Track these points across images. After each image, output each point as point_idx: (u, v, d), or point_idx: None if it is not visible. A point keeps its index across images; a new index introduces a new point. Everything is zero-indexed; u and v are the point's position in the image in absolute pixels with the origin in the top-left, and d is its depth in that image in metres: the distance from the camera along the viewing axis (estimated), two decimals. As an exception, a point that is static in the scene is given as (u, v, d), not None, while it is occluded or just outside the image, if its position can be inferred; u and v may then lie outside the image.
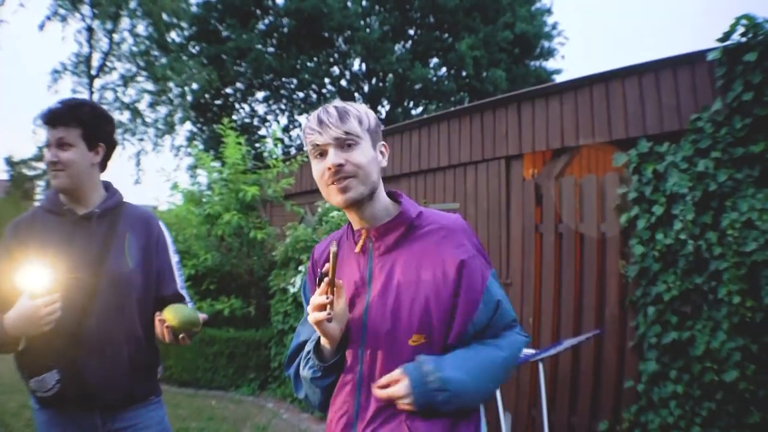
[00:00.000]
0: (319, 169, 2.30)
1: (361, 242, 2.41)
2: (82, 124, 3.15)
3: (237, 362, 10.26)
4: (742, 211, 5.17)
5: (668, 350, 5.79)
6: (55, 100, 3.20)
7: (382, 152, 2.45)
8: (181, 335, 2.91)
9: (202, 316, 2.99)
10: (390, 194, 2.48)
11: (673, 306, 5.77)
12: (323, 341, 2.33)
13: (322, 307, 2.17)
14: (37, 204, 3.37)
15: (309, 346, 2.44)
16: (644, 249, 6.03)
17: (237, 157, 10.79)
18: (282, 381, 9.79)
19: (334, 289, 2.18)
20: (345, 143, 2.27)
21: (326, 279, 2.16)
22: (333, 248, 2.14)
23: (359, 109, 2.38)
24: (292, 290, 9.35)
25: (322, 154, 2.29)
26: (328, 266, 2.15)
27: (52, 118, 3.10)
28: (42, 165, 30.91)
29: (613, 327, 6.54)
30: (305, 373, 2.42)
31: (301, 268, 9.34)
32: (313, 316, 2.19)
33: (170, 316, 2.89)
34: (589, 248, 6.85)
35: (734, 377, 5.14)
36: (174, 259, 3.44)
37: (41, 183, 31.33)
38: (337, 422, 2.36)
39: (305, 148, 2.36)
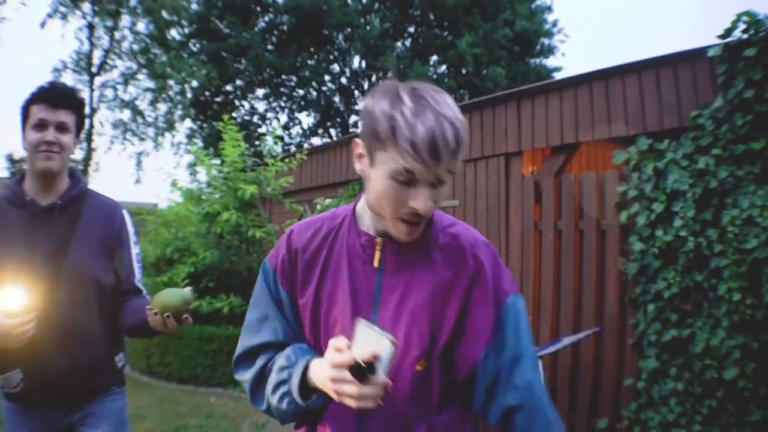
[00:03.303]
0: (396, 198, 1.85)
1: (377, 255, 2.06)
2: (77, 112, 3.16)
3: (236, 359, 10.24)
4: (743, 208, 5.16)
5: (668, 348, 5.78)
6: (45, 81, 3.17)
7: None
8: (184, 316, 2.81)
9: (187, 290, 2.88)
10: None
11: (673, 303, 5.76)
12: (317, 384, 1.94)
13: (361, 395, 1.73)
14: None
15: (284, 375, 2.05)
16: (644, 246, 6.02)
17: (236, 155, 10.77)
18: (281, 378, 9.76)
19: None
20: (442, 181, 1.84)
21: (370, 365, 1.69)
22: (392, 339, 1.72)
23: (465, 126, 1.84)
24: (290, 288, 9.32)
25: (411, 183, 1.81)
26: (369, 353, 1.69)
27: (56, 100, 3.06)
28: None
29: (612, 324, 6.53)
30: (277, 403, 2.07)
31: (299, 265, 9.31)
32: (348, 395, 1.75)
33: (159, 305, 2.79)
34: (588, 246, 6.85)
35: (734, 375, 5.13)
36: (135, 251, 3.39)
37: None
38: None
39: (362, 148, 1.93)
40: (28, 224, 3.09)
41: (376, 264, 2.07)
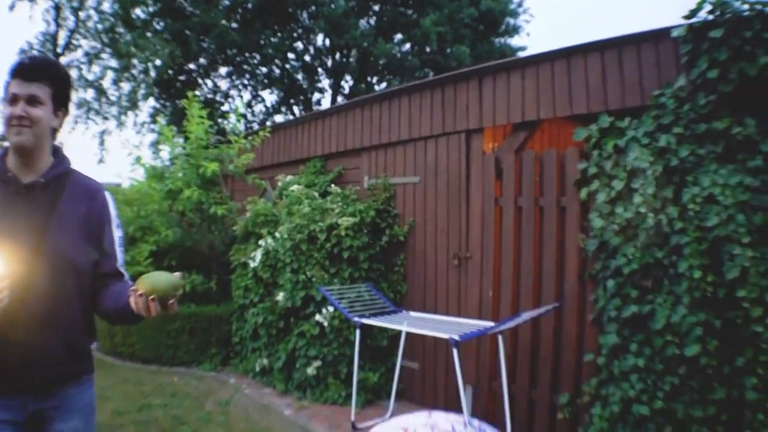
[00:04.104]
0: None
1: None
2: (55, 85, 3.05)
3: (198, 338, 10.24)
4: (704, 186, 5.18)
5: (628, 323, 5.81)
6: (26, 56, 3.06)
7: None
8: (170, 301, 2.76)
9: (177, 275, 2.83)
10: None
11: (633, 279, 5.79)
12: None
13: None
14: None
15: None
16: (604, 223, 6.04)
17: (200, 132, 10.71)
18: (243, 356, 9.78)
19: None
20: None
21: None
22: None
23: None
24: (252, 264, 9.34)
25: None
26: None
27: (28, 72, 2.98)
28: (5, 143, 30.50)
29: (572, 300, 6.58)
30: None
31: (261, 242, 9.33)
32: None
33: (146, 287, 2.71)
34: (548, 222, 6.89)
35: (696, 352, 5.14)
36: (117, 234, 3.31)
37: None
38: None
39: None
40: (10, 201, 3.01)
41: None
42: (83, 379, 3.23)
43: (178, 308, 2.80)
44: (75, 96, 30.18)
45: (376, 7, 30.93)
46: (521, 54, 31.90)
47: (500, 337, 6.36)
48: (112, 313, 3.10)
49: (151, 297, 2.69)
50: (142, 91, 30.22)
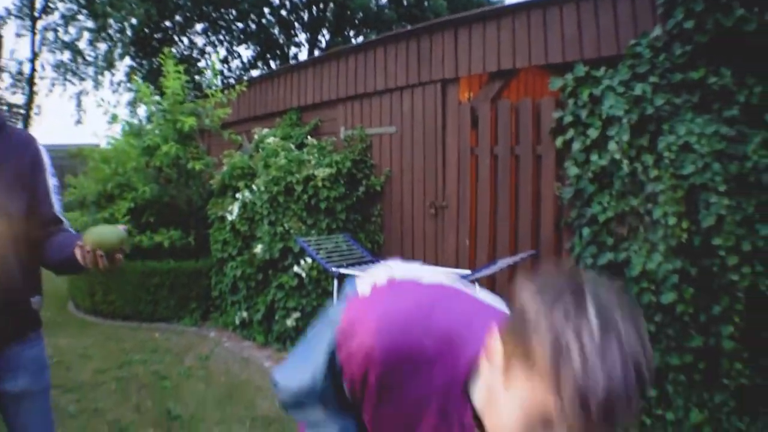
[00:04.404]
0: None
1: None
2: None
3: (178, 293, 10.23)
4: (679, 134, 5.19)
5: (604, 271, 5.83)
6: None
7: None
8: (117, 255, 2.70)
9: (122, 228, 2.76)
10: None
11: (608, 227, 5.83)
12: None
13: None
14: None
15: None
16: (579, 171, 6.07)
17: (176, 87, 10.65)
18: (223, 310, 9.82)
19: None
20: None
21: None
22: None
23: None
24: (229, 218, 9.34)
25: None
26: None
27: None
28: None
29: (548, 248, 6.63)
30: None
31: (238, 195, 9.33)
32: None
33: (92, 241, 2.65)
34: (524, 171, 6.93)
35: (672, 299, 5.17)
36: (51, 182, 3.23)
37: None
38: None
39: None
40: None
41: None
42: (29, 336, 3.18)
43: (122, 261, 2.75)
44: (52, 58, 30.05)
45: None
46: (499, 7, 31.65)
47: (477, 285, 6.40)
48: (57, 264, 3.06)
49: (99, 253, 2.66)
50: (118, 51, 30.05)
